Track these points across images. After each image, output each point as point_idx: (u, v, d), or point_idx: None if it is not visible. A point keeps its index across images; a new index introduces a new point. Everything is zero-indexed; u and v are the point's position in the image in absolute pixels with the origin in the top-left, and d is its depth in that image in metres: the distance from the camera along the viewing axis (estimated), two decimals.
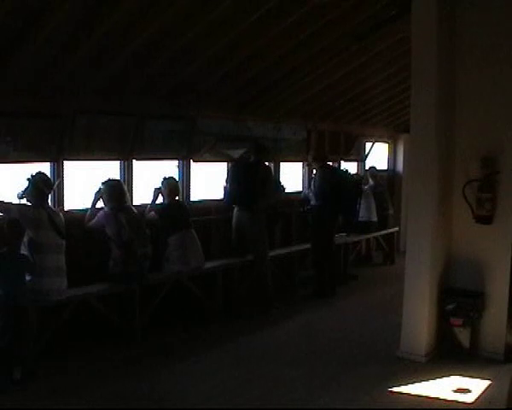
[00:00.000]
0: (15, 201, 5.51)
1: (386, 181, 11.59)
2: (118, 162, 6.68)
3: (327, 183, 8.24)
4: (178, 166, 7.36)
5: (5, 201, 5.38)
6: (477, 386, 5.07)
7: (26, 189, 5.49)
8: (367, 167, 10.89)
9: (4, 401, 4.69)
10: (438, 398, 4.90)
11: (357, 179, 10.02)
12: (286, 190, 8.27)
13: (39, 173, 5.56)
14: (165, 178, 6.86)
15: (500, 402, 4.78)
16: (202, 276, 6.97)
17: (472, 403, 4.79)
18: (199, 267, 6.83)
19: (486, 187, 5.64)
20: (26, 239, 5.31)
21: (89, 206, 6.30)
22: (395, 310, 6.12)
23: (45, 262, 5.36)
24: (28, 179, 5.50)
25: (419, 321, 5.72)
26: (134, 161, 6.74)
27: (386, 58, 8.08)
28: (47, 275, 5.35)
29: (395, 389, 5.05)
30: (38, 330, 5.34)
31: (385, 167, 11.95)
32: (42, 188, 5.49)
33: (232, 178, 7.57)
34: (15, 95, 5.35)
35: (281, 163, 8.91)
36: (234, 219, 7.54)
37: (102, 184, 6.27)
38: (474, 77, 5.73)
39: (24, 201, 5.51)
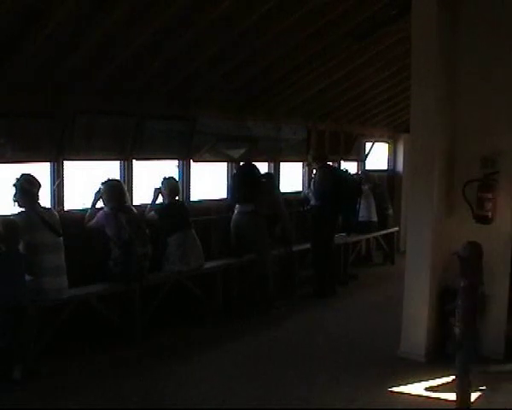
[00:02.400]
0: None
1: (387, 181, 11.60)
2: (118, 162, 6.68)
3: (327, 183, 8.25)
4: (178, 166, 7.37)
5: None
6: (477, 385, 5.07)
7: (14, 194, 5.41)
8: (359, 171, 10.86)
9: (4, 401, 4.69)
10: (438, 398, 4.91)
11: (358, 179, 10.01)
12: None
13: (23, 175, 5.45)
14: (165, 178, 6.86)
15: (500, 402, 4.80)
16: (202, 276, 6.97)
17: (472, 403, 4.78)
18: (199, 267, 6.83)
19: (486, 187, 5.64)
20: (23, 243, 5.28)
21: (89, 206, 6.30)
22: (395, 310, 6.11)
23: (44, 263, 5.34)
24: (14, 185, 5.41)
25: (419, 321, 5.72)
26: (134, 160, 6.74)
27: (387, 58, 8.09)
28: (47, 275, 5.33)
29: (395, 389, 5.05)
30: (39, 330, 5.34)
31: (385, 167, 11.95)
32: (28, 189, 5.41)
33: (235, 178, 7.72)
34: (15, 94, 5.35)
35: (281, 163, 8.91)
36: (232, 222, 7.56)
37: (102, 184, 6.27)
38: (474, 77, 5.73)
39: (16, 205, 5.43)
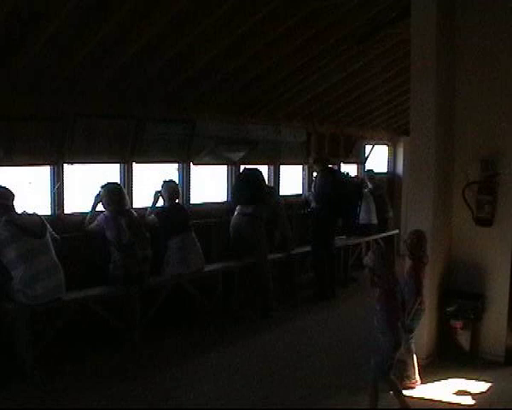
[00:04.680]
0: None
1: (387, 184, 11.60)
2: (118, 165, 6.68)
3: (327, 186, 8.26)
4: (178, 169, 7.37)
5: None
6: (477, 388, 5.07)
7: None
8: (362, 174, 10.87)
9: (4, 402, 4.69)
10: (438, 400, 4.90)
11: (358, 182, 10.01)
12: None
13: None
14: (165, 181, 6.86)
15: (501, 404, 4.80)
16: (202, 279, 6.97)
17: (472, 405, 4.79)
18: (199, 270, 6.83)
19: (486, 189, 5.64)
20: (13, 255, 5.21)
21: (89, 209, 6.30)
22: None
23: (35, 268, 5.25)
24: None
25: (419, 323, 5.71)
26: (134, 164, 6.74)
27: (386, 61, 8.10)
28: (40, 279, 5.26)
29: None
30: (40, 332, 5.34)
31: (385, 170, 11.96)
32: (1, 203, 5.31)
33: (239, 179, 7.81)
34: (16, 97, 5.36)
35: (281, 166, 8.92)
36: (232, 223, 7.57)
37: (102, 187, 6.27)
38: (474, 78, 5.74)
39: None
